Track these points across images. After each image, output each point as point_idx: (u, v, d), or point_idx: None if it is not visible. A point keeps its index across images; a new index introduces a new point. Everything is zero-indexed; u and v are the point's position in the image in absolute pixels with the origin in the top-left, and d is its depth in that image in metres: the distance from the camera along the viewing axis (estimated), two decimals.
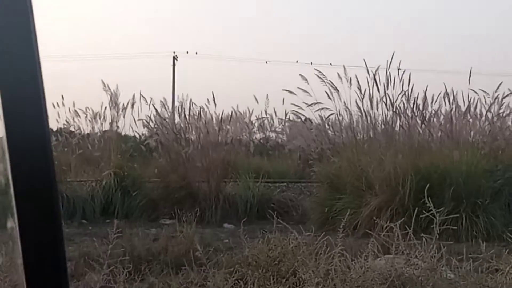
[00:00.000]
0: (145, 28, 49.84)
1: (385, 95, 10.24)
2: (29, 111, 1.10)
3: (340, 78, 10.61)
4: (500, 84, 10.58)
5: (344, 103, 10.70)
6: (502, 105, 10.73)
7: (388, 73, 10.10)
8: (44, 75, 1.11)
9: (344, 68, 10.68)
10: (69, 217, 10.70)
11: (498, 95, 10.61)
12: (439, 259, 4.67)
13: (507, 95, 10.60)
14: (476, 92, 10.63)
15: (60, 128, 14.22)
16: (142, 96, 12.99)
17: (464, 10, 47.84)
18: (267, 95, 17.28)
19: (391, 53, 10.10)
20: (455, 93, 10.58)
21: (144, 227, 9.50)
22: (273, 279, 4.72)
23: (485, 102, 10.71)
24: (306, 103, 11.04)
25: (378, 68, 10.27)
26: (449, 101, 10.57)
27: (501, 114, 10.81)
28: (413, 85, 10.24)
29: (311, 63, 24.69)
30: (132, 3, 48.87)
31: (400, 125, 10.48)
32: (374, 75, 10.20)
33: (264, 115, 17.50)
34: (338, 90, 10.60)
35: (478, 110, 10.84)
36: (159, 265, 6.30)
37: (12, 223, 1.14)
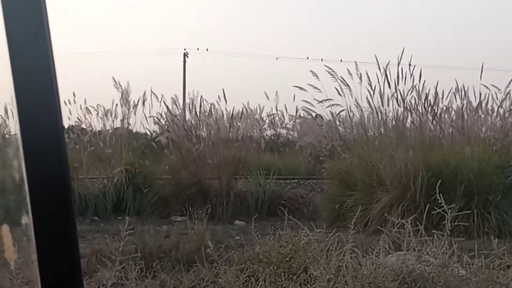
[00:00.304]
0: (156, 25, 49.91)
1: (396, 91, 10.21)
2: (43, 108, 1.11)
3: (351, 74, 10.60)
4: (511, 80, 10.53)
5: (355, 99, 10.69)
6: None
7: (399, 69, 10.07)
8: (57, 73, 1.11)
9: (356, 64, 10.66)
10: (81, 214, 10.75)
11: (510, 90, 10.55)
12: (450, 256, 4.66)
13: None
14: (487, 88, 10.59)
15: (72, 126, 14.27)
16: (153, 93, 13.02)
17: (476, 5, 47.61)
18: (276, 92, 17.28)
19: (402, 49, 10.07)
20: (466, 89, 10.56)
21: (155, 224, 9.54)
22: (284, 275, 4.72)
23: (497, 97, 10.67)
24: (316, 100, 11.04)
25: (388, 63, 10.24)
26: (460, 96, 10.54)
27: None
28: (424, 80, 10.22)
29: (322, 59, 24.63)
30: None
31: (411, 121, 10.46)
32: (385, 71, 10.18)
33: (274, 111, 17.52)
34: (349, 86, 10.59)
35: (489, 106, 10.81)
36: (171, 262, 6.32)
37: (27, 220, 1.15)
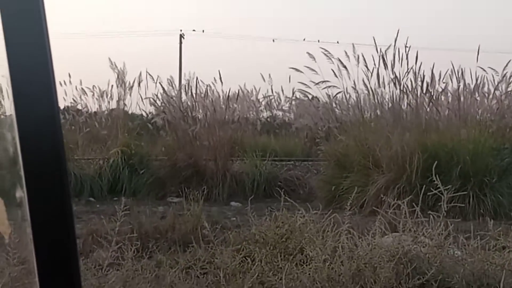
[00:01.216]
0: (152, 5, 49.65)
1: (392, 73, 10.20)
2: (38, 88, 1.10)
3: (348, 56, 10.57)
4: (508, 62, 10.53)
5: (354, 81, 10.67)
6: (510, 83, 10.68)
7: (396, 51, 10.05)
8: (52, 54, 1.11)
9: (353, 46, 10.62)
10: (77, 195, 10.75)
11: (506, 73, 10.57)
12: (446, 237, 4.68)
13: None
14: (484, 70, 10.59)
15: (67, 106, 14.28)
16: (149, 74, 13.01)
17: None
18: (269, 74, 17.19)
19: (397, 30, 10.04)
20: (462, 71, 10.55)
21: (151, 205, 9.54)
22: (280, 256, 4.74)
23: (494, 80, 10.67)
24: (313, 82, 11.01)
25: (389, 47, 10.20)
26: (457, 79, 10.53)
27: (509, 92, 10.76)
28: (421, 63, 10.20)
29: (318, 41, 24.54)
30: None
31: (407, 103, 10.45)
32: (382, 54, 10.15)
33: (271, 93, 17.49)
34: (346, 68, 10.56)
35: (486, 88, 10.81)
36: (167, 242, 6.33)
37: (22, 199, 1.14)
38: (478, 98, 10.79)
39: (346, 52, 10.60)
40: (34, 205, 1.12)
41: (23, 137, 1.10)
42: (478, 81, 10.55)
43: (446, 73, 10.61)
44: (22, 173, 1.10)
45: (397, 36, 9.94)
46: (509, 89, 10.71)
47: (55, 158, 1.13)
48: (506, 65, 10.49)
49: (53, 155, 1.13)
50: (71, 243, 1.18)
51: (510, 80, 10.63)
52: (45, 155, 1.12)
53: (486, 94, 10.85)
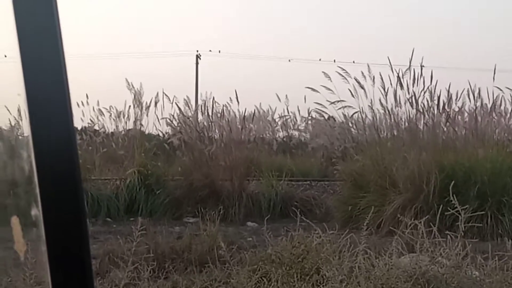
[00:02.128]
0: (169, 27, 50.02)
1: (408, 92, 10.19)
2: (54, 110, 1.11)
3: (364, 76, 10.57)
4: None
5: (371, 100, 10.67)
6: None
7: (411, 71, 10.05)
8: (68, 74, 1.11)
9: (368, 66, 10.63)
10: (94, 215, 10.78)
11: None
12: (464, 257, 4.64)
13: None
14: (501, 90, 10.54)
15: (85, 127, 14.36)
16: (165, 95, 13.06)
17: (488, 6, 47.38)
18: (286, 95, 17.22)
19: (413, 50, 10.04)
20: (479, 90, 10.51)
21: (168, 225, 9.54)
22: (296, 276, 4.72)
23: (510, 99, 10.62)
24: (329, 101, 11.02)
25: (408, 68, 10.19)
26: (474, 98, 10.50)
27: None
28: (436, 81, 10.19)
29: (334, 61, 24.56)
30: (156, 1, 49.05)
31: (424, 123, 10.41)
32: (398, 73, 10.15)
33: (287, 113, 17.50)
34: (362, 88, 10.56)
35: (503, 108, 10.76)
36: (183, 262, 6.32)
37: (38, 221, 1.15)
38: (495, 118, 10.73)
39: (362, 72, 10.61)
40: (49, 224, 1.13)
41: (39, 156, 1.11)
42: (495, 101, 10.49)
43: (462, 92, 10.59)
44: (37, 192, 1.11)
45: (412, 55, 9.94)
46: None
47: (70, 177, 1.13)
48: None
49: (69, 174, 1.13)
50: (86, 263, 1.18)
51: None
52: (61, 174, 1.12)
53: (504, 114, 10.79)
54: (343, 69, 10.75)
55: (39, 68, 1.10)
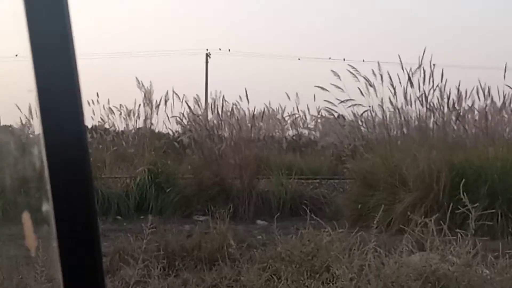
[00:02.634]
0: (179, 25, 50.08)
1: (418, 91, 10.17)
2: (65, 108, 1.11)
3: (375, 74, 10.55)
4: None
5: (382, 99, 10.65)
6: None
7: (421, 68, 10.02)
8: (79, 73, 1.12)
9: (378, 64, 10.61)
10: (104, 213, 10.81)
11: None
12: (474, 255, 4.62)
13: None
14: (511, 88, 10.50)
15: (95, 125, 14.40)
16: (175, 93, 13.09)
17: (498, 7, 47.18)
18: (296, 93, 17.20)
19: (423, 49, 10.01)
20: (489, 89, 10.49)
21: (178, 223, 9.57)
22: (306, 274, 4.72)
23: None
24: (338, 99, 11.01)
25: (419, 66, 10.15)
26: (484, 96, 10.48)
27: None
28: (446, 80, 10.16)
29: (344, 59, 24.52)
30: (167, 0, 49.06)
31: (434, 121, 10.39)
32: (409, 72, 10.13)
33: (296, 111, 17.49)
34: (372, 86, 10.55)
35: None
36: (193, 261, 6.33)
37: (49, 218, 1.15)
38: (506, 116, 10.69)
39: (373, 70, 10.59)
40: (60, 222, 1.13)
41: (50, 153, 1.11)
42: (505, 99, 10.46)
43: (472, 90, 10.57)
44: (48, 189, 1.11)
45: (423, 53, 9.92)
46: None
47: (81, 174, 1.14)
48: None
49: (80, 172, 1.14)
50: (97, 260, 1.18)
51: None
52: (72, 171, 1.13)
53: None
54: (353, 67, 10.75)
55: (51, 66, 1.11)
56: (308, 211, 5.89)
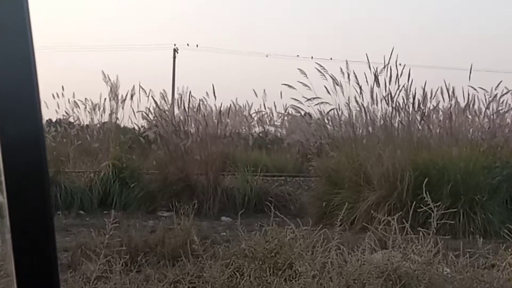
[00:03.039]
0: (147, 19, 49.80)
1: (385, 90, 10.24)
2: (22, 103, 1.09)
3: (343, 73, 10.59)
4: (500, 82, 10.60)
5: (348, 98, 10.69)
6: (501, 102, 10.76)
7: (387, 68, 10.08)
8: (44, 66, 1.10)
9: (347, 63, 10.65)
10: (67, 208, 10.71)
11: (497, 93, 10.62)
12: (435, 254, 4.67)
13: (505, 93, 10.64)
14: (475, 89, 10.63)
15: (59, 119, 14.24)
16: (142, 88, 13.00)
17: (464, 8, 47.81)
18: (264, 90, 17.25)
19: (391, 48, 10.07)
20: (454, 89, 10.62)
21: (142, 219, 9.51)
22: (269, 271, 4.72)
23: (485, 99, 10.73)
24: (305, 97, 11.03)
25: (385, 66, 10.21)
26: (449, 96, 10.60)
27: (500, 112, 10.81)
28: (412, 80, 10.24)
29: (312, 57, 24.63)
30: None
31: (399, 120, 10.47)
32: (375, 71, 10.18)
33: (263, 109, 17.52)
34: (339, 85, 10.58)
35: (476, 107, 10.87)
36: (156, 256, 6.30)
37: (3, 211, 1.13)
38: (470, 117, 10.83)
39: (341, 69, 10.62)
40: (15, 216, 1.11)
41: (6, 148, 1.09)
42: (469, 100, 10.59)
43: (437, 91, 10.68)
44: (3, 180, 1.09)
45: (391, 54, 9.97)
46: (499, 108, 10.77)
47: (37, 168, 1.12)
48: (498, 85, 10.55)
49: (36, 167, 1.11)
50: (52, 256, 1.16)
51: (501, 100, 10.70)
52: (27, 164, 1.11)
53: (477, 113, 10.89)
54: (321, 66, 10.77)
55: (7, 61, 1.08)
56: (272, 208, 5.89)
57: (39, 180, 1.12)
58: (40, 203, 1.13)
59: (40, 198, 1.13)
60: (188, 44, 35.12)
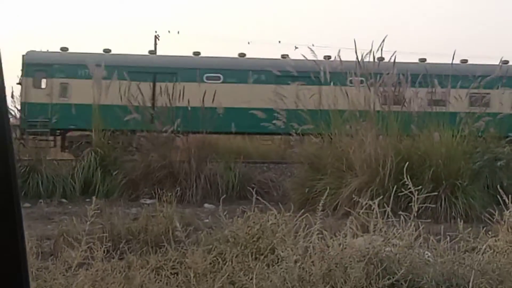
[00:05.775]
0: (129, 5, 49.50)
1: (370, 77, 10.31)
2: None
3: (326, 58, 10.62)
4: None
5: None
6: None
7: (371, 53, 10.17)
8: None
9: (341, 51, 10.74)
10: (49, 196, 10.65)
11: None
12: (416, 238, 4.69)
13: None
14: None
15: None
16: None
17: None
18: None
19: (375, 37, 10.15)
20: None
21: (124, 206, 9.47)
22: (251, 255, 4.72)
23: None
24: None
25: (370, 51, 10.27)
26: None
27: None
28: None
29: (296, 47, 24.57)
30: None
31: (381, 106, 10.50)
32: (362, 57, 10.26)
33: None
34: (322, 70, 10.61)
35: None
36: (139, 243, 6.28)
37: None
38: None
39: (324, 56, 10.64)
40: None
41: None
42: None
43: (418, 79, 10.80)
44: None
45: (382, 43, 10.05)
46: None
47: (2, 155, 1.10)
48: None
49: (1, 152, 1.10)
50: (19, 242, 1.15)
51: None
52: None
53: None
54: (310, 50, 10.84)
55: None
56: (255, 195, 5.88)
57: (4, 168, 1.11)
58: (6, 197, 1.12)
59: (5, 185, 1.12)
60: (169, 31, 34.95)
